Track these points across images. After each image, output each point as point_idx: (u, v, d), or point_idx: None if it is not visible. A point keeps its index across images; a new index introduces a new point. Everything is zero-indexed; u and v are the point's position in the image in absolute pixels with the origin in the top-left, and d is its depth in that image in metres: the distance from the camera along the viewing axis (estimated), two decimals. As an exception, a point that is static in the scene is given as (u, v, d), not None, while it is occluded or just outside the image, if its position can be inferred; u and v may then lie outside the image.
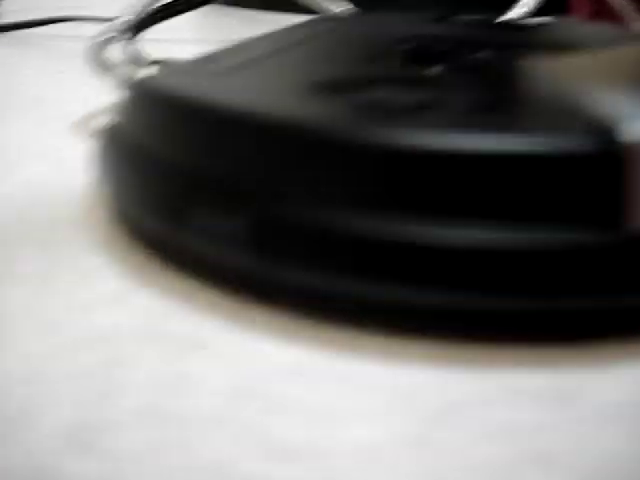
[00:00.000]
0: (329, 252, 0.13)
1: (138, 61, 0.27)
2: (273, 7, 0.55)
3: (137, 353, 0.13)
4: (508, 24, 0.28)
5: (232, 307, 0.15)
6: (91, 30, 0.42)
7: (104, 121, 0.27)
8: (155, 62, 0.26)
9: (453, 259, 0.13)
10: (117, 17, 0.30)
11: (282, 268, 0.14)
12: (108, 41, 0.27)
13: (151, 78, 0.17)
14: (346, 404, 0.12)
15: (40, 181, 0.21)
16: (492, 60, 0.20)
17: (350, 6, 0.39)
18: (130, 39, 0.30)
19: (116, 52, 0.28)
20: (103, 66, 0.26)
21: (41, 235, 0.18)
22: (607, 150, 0.13)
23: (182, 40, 0.43)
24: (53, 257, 0.17)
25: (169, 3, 0.33)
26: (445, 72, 0.19)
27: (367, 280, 0.13)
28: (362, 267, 0.13)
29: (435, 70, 0.19)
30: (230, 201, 0.14)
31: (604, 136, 0.13)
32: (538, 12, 0.38)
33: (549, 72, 0.18)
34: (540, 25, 0.27)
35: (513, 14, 0.39)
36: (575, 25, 0.23)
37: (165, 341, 0.14)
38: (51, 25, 0.44)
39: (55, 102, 0.30)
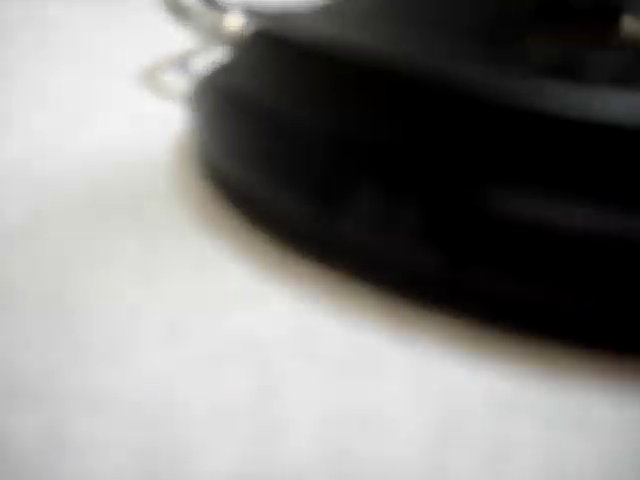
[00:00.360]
0: (543, 253, 0.10)
1: (219, 7, 0.24)
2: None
3: (295, 377, 0.10)
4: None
5: (401, 314, 0.12)
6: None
7: (183, 72, 0.24)
8: (245, 10, 0.22)
9: None
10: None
11: (468, 269, 0.11)
12: (182, -17, 0.24)
13: (281, 29, 0.14)
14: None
15: (115, 140, 0.18)
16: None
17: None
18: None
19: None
20: (179, 12, 0.23)
21: (129, 209, 0.15)
22: None
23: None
24: (151, 239, 0.14)
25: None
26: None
27: (588, 290, 0.10)
28: (589, 274, 0.10)
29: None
30: (406, 178, 0.11)
31: None
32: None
33: None
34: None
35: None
36: None
37: (327, 360, 0.11)
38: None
39: (121, 50, 0.27)
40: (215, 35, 0.22)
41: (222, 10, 0.24)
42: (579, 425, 0.10)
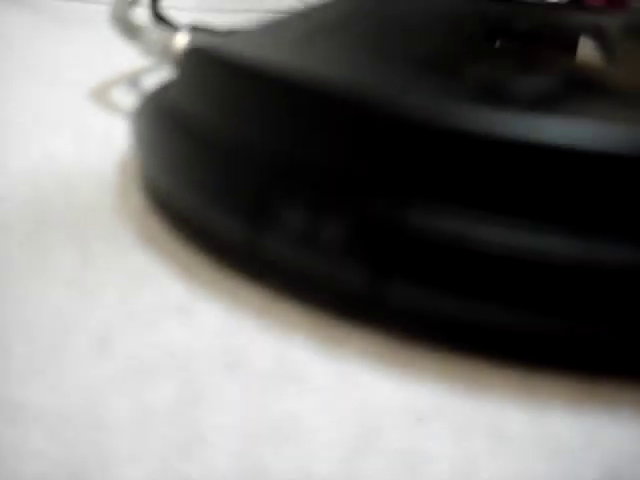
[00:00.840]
0: (464, 268, 0.11)
1: (168, 26, 0.24)
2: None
3: (217, 387, 0.11)
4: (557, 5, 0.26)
5: (322, 327, 0.12)
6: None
7: (133, 89, 0.25)
8: (193, 29, 0.23)
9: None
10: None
11: (394, 284, 0.11)
12: (133, 3, 0.24)
13: (215, 46, 0.15)
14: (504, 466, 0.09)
15: (61, 156, 0.19)
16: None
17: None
18: (154, 1, 0.27)
19: (141, 15, 0.25)
20: (130, 30, 0.23)
21: (69, 223, 0.15)
22: None
23: (191, 7, 0.40)
24: (88, 253, 0.14)
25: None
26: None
27: (508, 305, 0.11)
28: (508, 289, 0.11)
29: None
30: (331, 197, 0.12)
31: None
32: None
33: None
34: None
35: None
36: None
37: (249, 371, 0.11)
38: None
39: (72, 66, 0.27)
40: (164, 53, 0.22)
41: (172, 29, 0.24)
42: (494, 437, 0.10)
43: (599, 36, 0.19)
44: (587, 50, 0.18)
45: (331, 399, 0.10)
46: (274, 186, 0.12)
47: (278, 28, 0.17)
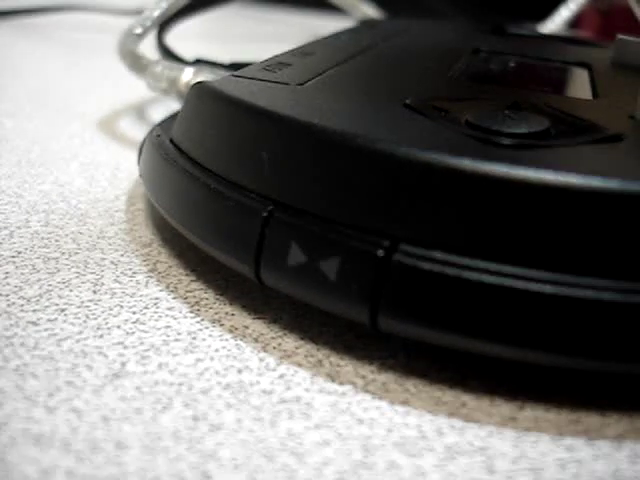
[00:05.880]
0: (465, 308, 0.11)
1: (175, 59, 0.25)
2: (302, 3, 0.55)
3: (226, 417, 0.11)
4: (570, 39, 0.27)
5: (324, 357, 0.13)
6: (93, 21, 0.40)
7: (140, 120, 0.25)
8: (198, 61, 0.23)
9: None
10: (139, 11, 0.28)
11: (397, 319, 0.12)
12: (140, 36, 0.25)
13: (221, 82, 0.15)
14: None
15: (71, 187, 0.19)
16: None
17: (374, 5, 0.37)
18: (160, 34, 0.28)
19: (147, 48, 0.26)
20: (136, 64, 0.24)
21: (79, 253, 0.16)
22: None
23: (196, 37, 0.41)
24: (98, 282, 0.15)
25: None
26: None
27: (514, 341, 0.11)
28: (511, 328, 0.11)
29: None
30: (325, 239, 0.12)
31: None
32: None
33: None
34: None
35: (552, 25, 0.37)
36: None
37: (257, 401, 0.11)
38: (48, 14, 0.42)
39: (81, 99, 0.28)
40: (171, 87, 0.23)
41: (178, 62, 0.25)
42: (480, 457, 0.11)
43: (587, 69, 0.20)
44: (576, 83, 0.19)
45: (330, 430, 0.11)
46: (275, 226, 0.13)
47: (280, 64, 0.17)
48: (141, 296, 0.14)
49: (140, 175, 0.17)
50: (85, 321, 0.13)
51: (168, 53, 0.26)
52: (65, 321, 0.13)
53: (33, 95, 0.28)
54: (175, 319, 0.14)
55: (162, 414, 0.11)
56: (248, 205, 0.13)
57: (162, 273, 0.15)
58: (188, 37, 0.36)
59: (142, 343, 0.13)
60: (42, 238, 0.16)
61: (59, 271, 0.15)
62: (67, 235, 0.17)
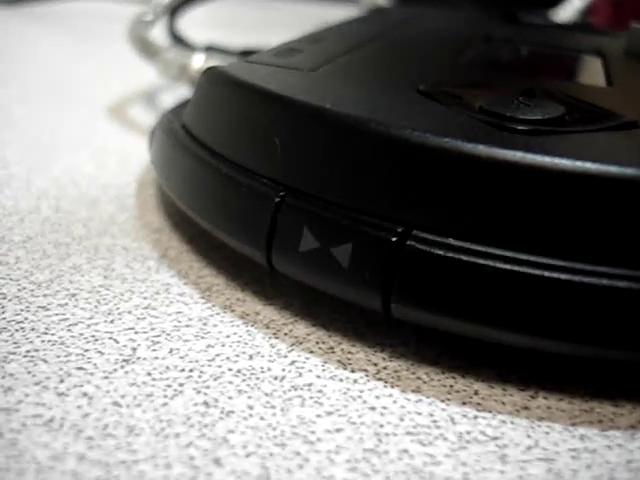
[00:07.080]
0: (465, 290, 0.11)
1: (185, 46, 0.25)
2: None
3: (237, 403, 0.11)
4: (583, 26, 0.27)
5: (336, 344, 0.13)
6: (102, 9, 0.40)
7: (150, 107, 0.25)
8: (209, 48, 0.23)
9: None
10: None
11: (409, 306, 0.12)
12: (151, 23, 0.25)
13: (232, 68, 0.15)
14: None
15: (81, 173, 0.19)
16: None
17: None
18: (170, 21, 0.27)
19: (157, 34, 0.26)
20: (147, 50, 0.24)
21: (90, 238, 0.16)
22: None
23: (200, 24, 0.41)
24: (109, 267, 0.14)
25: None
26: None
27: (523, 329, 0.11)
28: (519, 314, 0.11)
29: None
30: (337, 225, 0.12)
31: None
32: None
33: None
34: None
35: (564, 14, 0.37)
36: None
37: (268, 387, 0.11)
38: (59, 2, 0.42)
39: (90, 86, 0.28)
40: (181, 73, 0.23)
41: (189, 48, 0.25)
42: (493, 446, 0.10)
43: (601, 57, 0.20)
44: (589, 71, 0.19)
45: (342, 417, 0.11)
46: (287, 212, 0.13)
47: (292, 50, 0.17)
48: (152, 282, 0.14)
49: (151, 161, 0.17)
50: (96, 306, 0.13)
51: (179, 40, 0.26)
52: (76, 306, 0.13)
53: (43, 82, 0.28)
54: (186, 305, 0.13)
55: (173, 400, 0.11)
56: (260, 190, 0.13)
57: (173, 259, 0.15)
58: (198, 24, 0.36)
59: (153, 329, 0.13)
60: (53, 223, 0.16)
61: (70, 256, 0.15)
62: (78, 220, 0.17)
